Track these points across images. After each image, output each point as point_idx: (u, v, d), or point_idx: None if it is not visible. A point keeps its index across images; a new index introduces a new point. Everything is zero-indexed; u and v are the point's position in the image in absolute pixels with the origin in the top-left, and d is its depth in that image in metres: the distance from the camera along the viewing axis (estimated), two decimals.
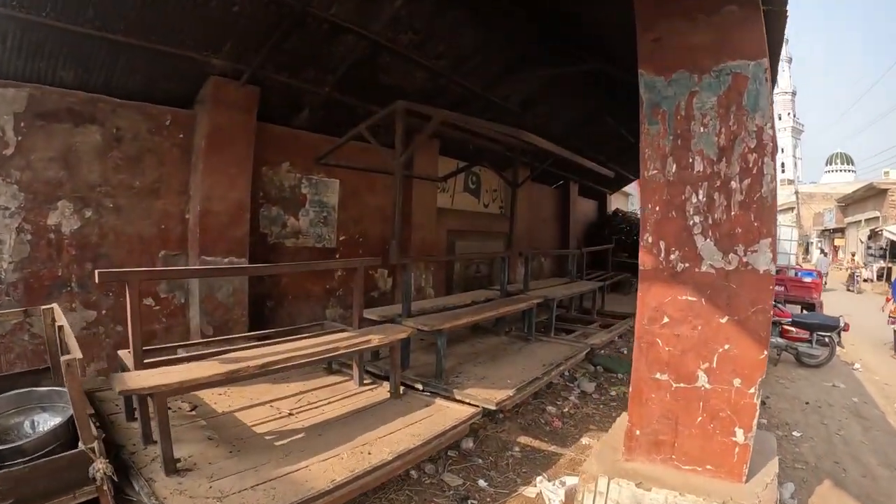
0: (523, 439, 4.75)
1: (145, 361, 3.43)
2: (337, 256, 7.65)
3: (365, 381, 4.60)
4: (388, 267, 8.51)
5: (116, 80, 5.27)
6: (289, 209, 6.97)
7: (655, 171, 3.23)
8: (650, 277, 3.22)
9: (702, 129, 3.10)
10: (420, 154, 8.39)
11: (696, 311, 3.09)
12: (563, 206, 14.49)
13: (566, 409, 5.54)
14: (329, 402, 4.16)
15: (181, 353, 4.29)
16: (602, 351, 7.10)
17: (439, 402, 4.24)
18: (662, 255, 3.19)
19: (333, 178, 7.49)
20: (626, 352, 7.82)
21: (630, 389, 3.43)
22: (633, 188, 22.68)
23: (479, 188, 10.51)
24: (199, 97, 5.87)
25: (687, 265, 3.12)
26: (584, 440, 4.87)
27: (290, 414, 3.92)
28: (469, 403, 4.22)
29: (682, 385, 3.16)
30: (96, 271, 3.38)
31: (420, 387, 4.62)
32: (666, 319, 3.18)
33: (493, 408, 4.24)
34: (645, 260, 3.23)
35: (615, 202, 19.38)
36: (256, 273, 6.09)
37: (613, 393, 6.24)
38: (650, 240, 3.22)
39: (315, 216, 7.30)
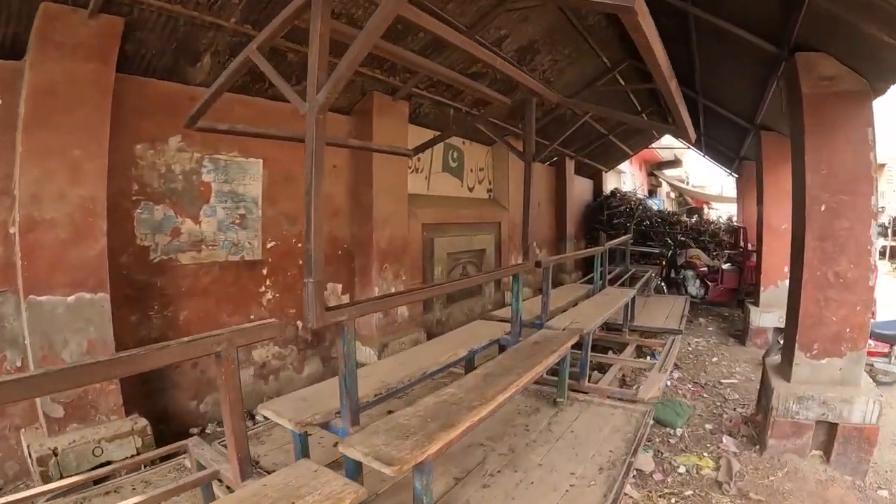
0: None
1: None
2: (264, 272, 5.35)
3: None
4: (344, 280, 6.29)
5: None
6: (183, 207, 4.66)
7: None
8: None
9: None
10: (382, 121, 6.13)
11: None
12: (560, 187, 12.32)
13: None
14: None
15: None
16: None
17: None
18: None
19: (253, 157, 5.14)
20: (680, 392, 5.76)
21: None
22: (625, 164, 20.64)
23: (461, 166, 8.26)
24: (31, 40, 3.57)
25: None
26: None
27: None
28: None
29: None
30: None
31: None
32: None
33: None
34: None
35: (609, 180, 17.27)
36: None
37: (683, 469, 4.12)
38: None
39: (226, 215, 4.99)
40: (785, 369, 4.43)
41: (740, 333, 8.00)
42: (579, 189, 14.22)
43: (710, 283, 9.35)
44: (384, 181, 6.19)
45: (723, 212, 20.73)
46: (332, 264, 6.03)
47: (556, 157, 11.94)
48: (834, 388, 4.19)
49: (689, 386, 5.95)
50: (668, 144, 18.32)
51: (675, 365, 6.32)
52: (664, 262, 10.37)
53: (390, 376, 3.25)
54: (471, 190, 8.52)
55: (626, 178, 21.21)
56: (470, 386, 2.90)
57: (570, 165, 12.28)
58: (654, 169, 25.88)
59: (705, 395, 5.71)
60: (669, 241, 11.31)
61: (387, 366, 3.54)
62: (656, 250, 11.94)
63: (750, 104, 7.05)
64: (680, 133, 2.96)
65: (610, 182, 17.06)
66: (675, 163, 25.60)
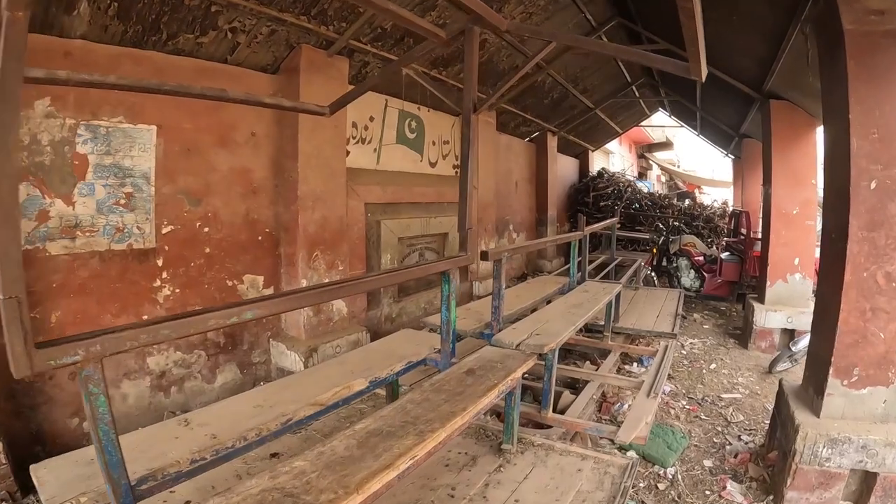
0: None
1: None
2: (159, 263, 4.26)
3: None
4: (267, 271, 5.18)
5: None
6: (52, 185, 3.61)
7: None
8: None
9: None
10: (313, 80, 4.98)
11: None
12: (540, 165, 11.17)
13: None
14: None
15: None
16: None
17: None
18: None
19: (144, 123, 4.05)
20: (672, 411, 4.68)
21: None
22: (614, 145, 19.53)
23: (420, 138, 7.09)
24: None
25: None
26: None
27: None
28: None
29: None
30: None
31: None
32: None
33: None
34: None
35: (596, 160, 16.16)
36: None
37: None
38: None
39: (108, 194, 3.88)
40: (812, 400, 3.36)
41: (740, 333, 6.95)
42: (563, 168, 13.12)
43: (706, 275, 8.26)
44: (314, 153, 5.05)
45: (715, 196, 19.67)
46: (249, 252, 5.00)
47: (536, 133, 10.79)
48: (877, 428, 3.14)
49: (683, 403, 4.89)
50: (659, 123, 17.16)
51: (668, 375, 5.27)
52: (655, 250, 9.22)
53: (233, 427, 2.13)
54: (433, 165, 7.36)
55: (616, 160, 20.14)
56: (329, 460, 1.77)
57: (552, 142, 11.13)
58: (644, 151, 24.87)
59: (703, 416, 4.66)
60: (661, 227, 10.16)
61: (237, 408, 2.41)
62: (646, 236, 10.85)
63: (757, 67, 5.95)
64: (692, 68, 1.87)
65: (597, 162, 15.98)
66: (666, 145, 24.63)
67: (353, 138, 5.99)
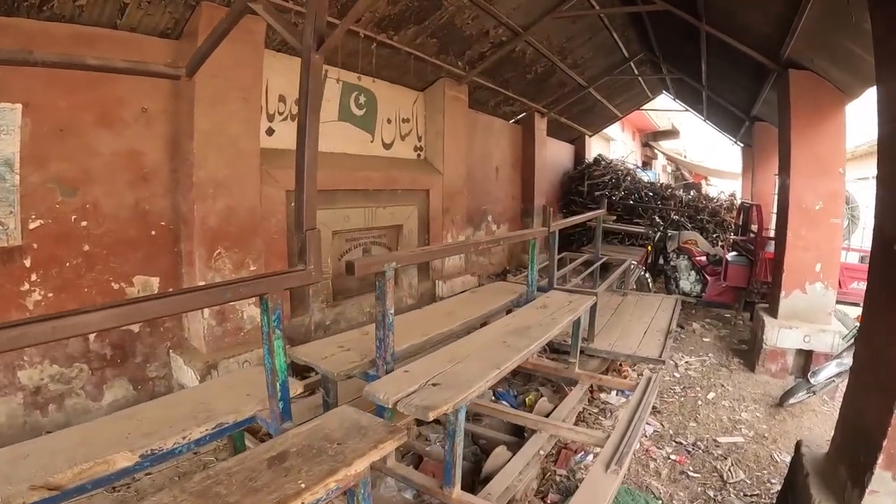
0: None
1: None
2: (27, 263, 3.52)
3: None
4: (163, 271, 4.25)
5: None
6: None
7: None
8: None
9: None
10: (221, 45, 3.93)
11: None
12: (527, 150, 10.01)
13: None
14: None
15: None
16: None
17: None
18: None
19: (7, 101, 3.34)
20: (653, 464, 3.60)
21: None
22: (615, 131, 18.31)
23: (371, 115, 5.99)
24: None
25: None
26: None
27: None
28: None
29: None
30: None
31: None
32: None
33: None
34: None
35: (595, 147, 14.97)
36: None
37: None
38: None
39: None
40: (844, 488, 2.27)
41: (746, 350, 5.86)
42: (556, 154, 11.98)
43: (708, 278, 7.11)
44: (214, 130, 4.07)
45: (721, 188, 18.44)
46: (140, 249, 4.11)
47: (522, 114, 9.64)
48: None
49: (668, 451, 3.81)
50: (664, 107, 15.92)
51: (653, 408, 4.19)
52: (650, 247, 8.04)
53: None
54: (387, 146, 6.26)
55: (618, 147, 18.92)
56: None
57: (540, 124, 9.97)
58: (649, 139, 23.64)
59: (691, 472, 3.57)
60: (658, 220, 8.94)
61: None
62: (640, 229, 9.68)
63: (773, 27, 4.83)
64: None
65: (596, 150, 14.78)
66: (672, 133, 23.40)
67: (280, 114, 4.98)
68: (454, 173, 7.00)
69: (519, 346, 2.94)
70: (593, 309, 4.46)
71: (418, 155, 6.78)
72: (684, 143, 25.39)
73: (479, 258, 8.87)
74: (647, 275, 7.76)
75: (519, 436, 3.42)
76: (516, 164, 9.90)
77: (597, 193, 11.79)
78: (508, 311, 4.21)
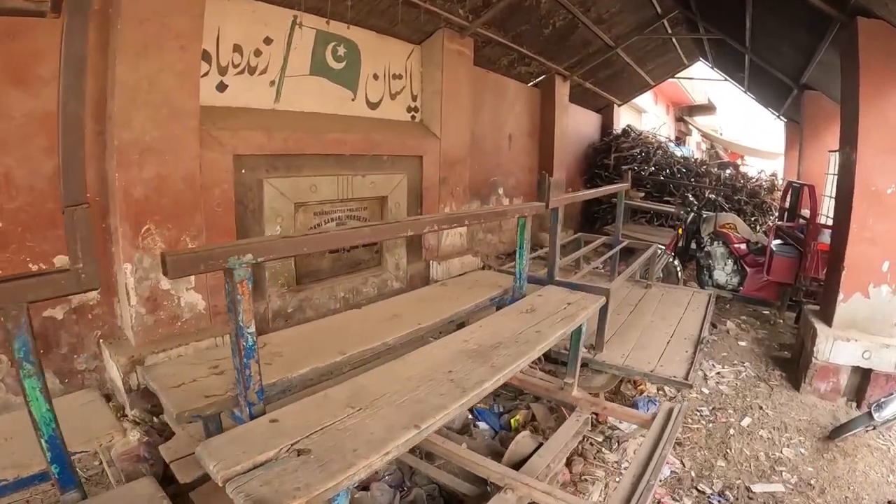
0: None
1: None
2: None
3: None
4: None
5: None
6: None
7: None
8: None
9: None
10: None
11: None
12: (546, 116, 8.98)
13: None
14: None
15: None
16: None
17: None
18: None
19: None
20: None
21: None
22: (648, 103, 17.03)
23: (353, 69, 5.11)
24: None
25: None
26: None
27: None
28: None
29: None
30: None
31: None
32: None
33: None
34: None
35: (624, 119, 13.81)
36: None
37: None
38: None
39: None
40: None
41: (789, 359, 4.92)
42: (580, 124, 10.93)
43: (748, 269, 6.09)
44: (142, 85, 3.33)
45: (759, 168, 17.07)
46: (62, 226, 3.33)
47: (542, 77, 8.61)
48: None
49: (688, 503, 2.96)
50: (702, 76, 14.56)
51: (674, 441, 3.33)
52: (681, 230, 7.00)
53: None
54: (373, 106, 5.38)
55: (650, 121, 17.63)
56: None
57: (561, 88, 8.92)
58: (684, 114, 22.22)
59: None
60: (691, 199, 7.81)
61: None
62: (671, 209, 8.61)
63: None
64: None
65: (626, 121, 13.62)
66: (709, 108, 21.98)
67: (235, 66, 4.17)
68: (455, 139, 6.09)
69: (467, 383, 2.04)
70: (604, 310, 3.58)
71: (413, 117, 5.88)
72: (720, 119, 23.92)
73: (487, 235, 7.99)
74: (677, 262, 6.75)
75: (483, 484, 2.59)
76: (533, 133, 8.90)
77: (624, 168, 10.74)
78: (491, 310, 3.35)
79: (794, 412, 4.02)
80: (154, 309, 3.59)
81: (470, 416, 3.50)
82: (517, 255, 3.45)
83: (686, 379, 3.31)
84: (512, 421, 3.47)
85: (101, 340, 3.65)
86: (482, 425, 3.42)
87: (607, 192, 5.78)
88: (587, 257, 6.19)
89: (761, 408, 4.07)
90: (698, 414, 3.91)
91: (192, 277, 3.79)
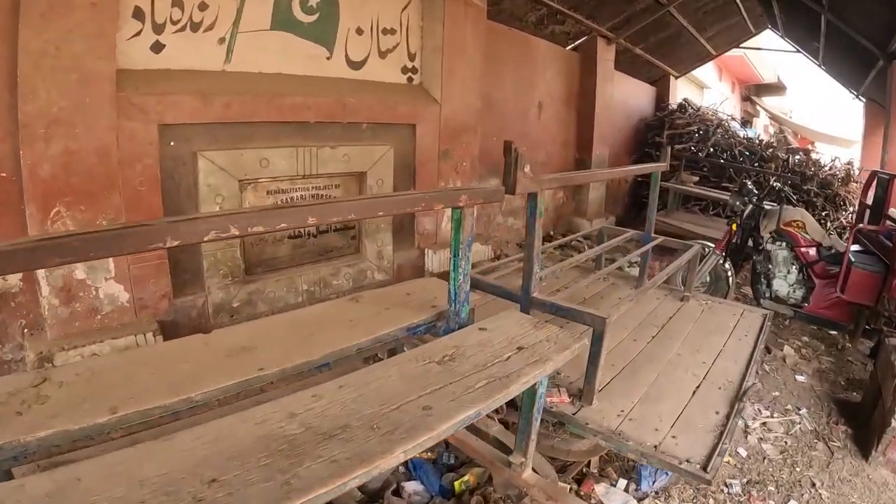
0: None
1: None
2: None
3: None
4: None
5: None
6: None
7: None
8: None
9: None
10: None
11: None
12: (586, 84, 7.82)
13: None
14: None
15: None
16: None
17: None
18: None
19: None
20: None
21: None
22: (711, 78, 15.37)
23: (330, 22, 4.20)
24: None
25: None
26: None
27: None
28: None
29: None
30: None
31: None
32: None
33: None
34: None
35: (682, 93, 12.36)
36: None
37: None
38: None
39: None
40: None
41: (858, 405, 3.81)
42: (629, 95, 9.70)
43: (816, 280, 4.88)
44: (48, 50, 2.83)
45: (831, 155, 15.22)
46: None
47: (583, 38, 7.45)
48: None
49: None
50: (771, 46, 12.87)
51: None
52: (735, 226, 5.73)
53: None
54: (356, 66, 4.45)
55: (712, 97, 15.97)
56: None
57: (605, 52, 7.73)
58: (751, 93, 20.30)
59: None
60: (750, 187, 6.31)
61: None
62: (725, 196, 7.28)
63: None
64: None
65: (684, 95, 12.20)
66: (778, 88, 20.08)
67: (174, 23, 3.38)
68: (460, 104, 5.11)
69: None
70: (597, 346, 2.60)
71: (410, 79, 4.93)
72: (790, 101, 21.88)
73: (507, 219, 7.03)
74: (728, 265, 5.54)
75: None
76: (569, 101, 7.77)
77: (678, 147, 9.44)
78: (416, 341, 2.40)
79: (857, 495, 2.96)
80: (69, 300, 3.15)
81: (402, 470, 2.66)
82: (451, 266, 2.43)
83: (705, 469, 2.28)
84: (457, 483, 2.60)
85: (24, 331, 3.26)
86: (412, 487, 2.57)
87: (636, 171, 4.58)
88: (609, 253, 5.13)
89: (814, 485, 3.01)
90: (725, 491, 2.90)
91: (112, 266, 3.23)
